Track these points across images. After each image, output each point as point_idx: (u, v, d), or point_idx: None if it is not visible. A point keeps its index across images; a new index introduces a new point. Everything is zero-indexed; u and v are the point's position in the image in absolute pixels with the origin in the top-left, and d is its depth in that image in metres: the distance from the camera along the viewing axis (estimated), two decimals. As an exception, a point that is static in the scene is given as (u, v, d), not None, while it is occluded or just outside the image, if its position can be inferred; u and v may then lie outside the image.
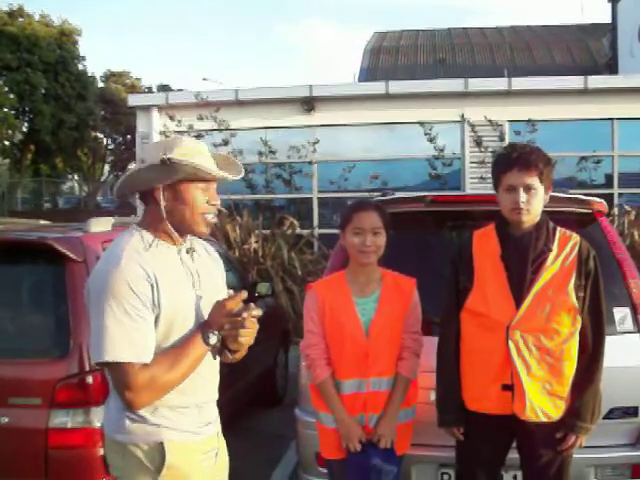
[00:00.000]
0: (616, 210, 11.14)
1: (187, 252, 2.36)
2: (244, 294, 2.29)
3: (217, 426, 2.46)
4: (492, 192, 3.10)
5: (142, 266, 2.17)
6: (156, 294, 2.17)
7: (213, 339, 2.24)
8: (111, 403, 2.30)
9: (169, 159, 2.20)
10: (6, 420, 3.41)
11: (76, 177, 40.13)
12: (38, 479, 3.39)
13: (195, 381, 2.27)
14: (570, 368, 2.89)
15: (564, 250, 2.90)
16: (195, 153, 2.27)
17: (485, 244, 3.01)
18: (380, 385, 3.09)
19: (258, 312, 2.26)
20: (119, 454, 2.26)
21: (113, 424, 2.27)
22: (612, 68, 19.63)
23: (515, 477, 3.34)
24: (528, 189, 2.84)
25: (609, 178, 12.77)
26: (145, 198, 2.33)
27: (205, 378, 2.34)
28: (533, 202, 2.85)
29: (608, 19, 21.70)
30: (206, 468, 2.36)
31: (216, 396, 2.45)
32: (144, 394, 2.15)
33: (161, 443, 2.22)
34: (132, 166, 2.38)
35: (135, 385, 2.12)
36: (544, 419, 2.86)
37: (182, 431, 2.27)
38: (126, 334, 2.11)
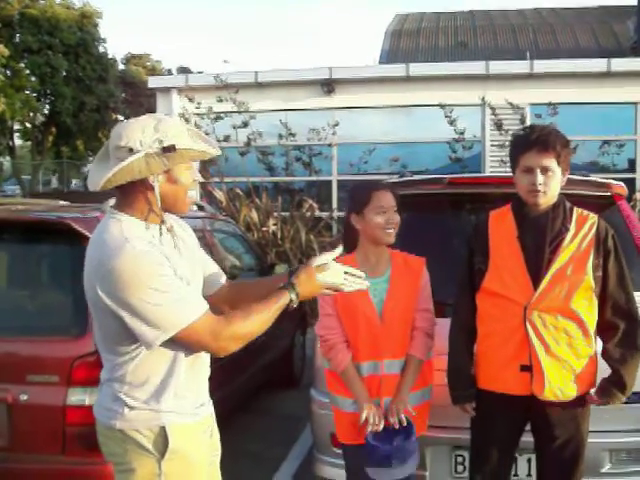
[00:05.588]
0: (638, 195, 11.04)
1: (168, 231, 2.31)
2: (340, 249, 2.46)
3: (210, 407, 2.46)
4: (509, 174, 3.08)
5: (149, 244, 2.16)
6: (170, 264, 2.18)
7: (297, 301, 2.33)
8: (105, 390, 2.28)
9: (173, 146, 2.16)
10: (25, 397, 3.45)
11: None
12: (55, 456, 3.45)
13: (194, 365, 2.30)
14: (588, 347, 2.88)
15: (582, 229, 2.89)
16: (182, 132, 2.24)
17: (501, 225, 3.00)
18: (393, 368, 3.09)
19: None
20: (117, 441, 2.23)
21: (109, 411, 2.24)
22: (637, 51, 19.33)
23: (529, 460, 3.35)
24: (545, 171, 2.82)
25: (632, 163, 12.66)
26: (130, 184, 2.18)
27: (203, 360, 2.37)
28: (550, 184, 2.83)
29: (633, 1, 21.36)
30: (205, 447, 2.38)
31: (207, 375, 2.45)
32: (232, 340, 2.20)
33: (163, 427, 2.21)
34: (113, 154, 2.20)
35: (221, 332, 2.16)
36: (563, 399, 2.86)
37: (181, 414, 2.26)
38: (179, 297, 2.12)
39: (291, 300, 2.32)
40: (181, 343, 2.18)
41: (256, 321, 2.24)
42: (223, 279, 2.63)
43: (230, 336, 2.19)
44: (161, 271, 2.11)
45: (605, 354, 2.92)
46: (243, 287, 2.71)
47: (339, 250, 2.45)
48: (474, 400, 3.04)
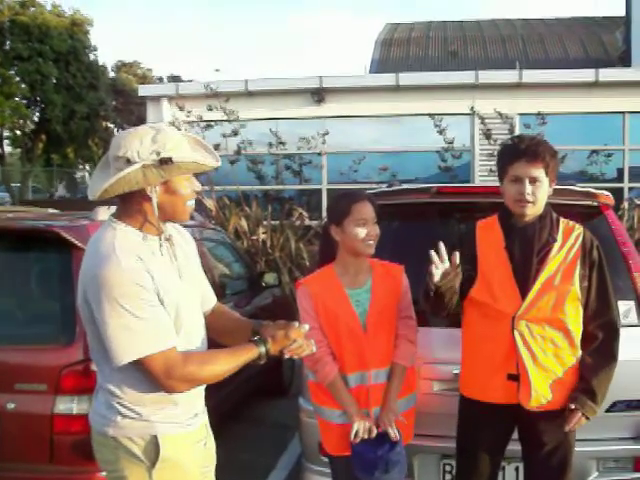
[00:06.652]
0: (626, 204, 11.11)
1: (167, 240, 2.31)
2: (307, 327, 2.42)
3: (204, 417, 2.47)
4: (498, 184, 3.09)
5: (138, 259, 2.15)
6: (155, 285, 2.18)
7: (265, 358, 2.35)
8: (100, 398, 2.30)
9: (170, 159, 2.16)
10: (13, 406, 3.44)
11: (87, 167, 40.20)
12: (43, 464, 3.43)
13: None
14: (574, 357, 2.90)
15: (568, 240, 2.91)
16: (182, 143, 2.24)
17: (488, 235, 3.01)
18: (379, 377, 3.07)
19: (314, 349, 2.47)
20: (110, 448, 2.25)
21: (104, 419, 2.25)
22: (625, 61, 19.48)
23: (517, 469, 3.35)
24: (534, 181, 2.84)
25: (620, 172, 12.75)
26: (128, 194, 2.19)
27: None
28: (538, 194, 2.85)
29: (622, 12, 21.54)
30: (198, 458, 2.38)
31: (203, 386, 2.45)
32: (185, 382, 2.19)
33: (155, 436, 2.22)
34: (110, 164, 2.22)
35: (176, 372, 2.15)
36: (549, 408, 2.87)
37: (174, 423, 2.27)
38: (149, 326, 2.12)
39: (259, 356, 2.34)
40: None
41: (214, 370, 2.25)
42: (212, 303, 2.63)
43: (182, 378, 2.18)
44: (139, 293, 2.12)
45: (580, 363, 2.93)
46: (222, 316, 2.66)
47: (306, 327, 2.44)
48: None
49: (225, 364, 2.27)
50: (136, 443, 2.22)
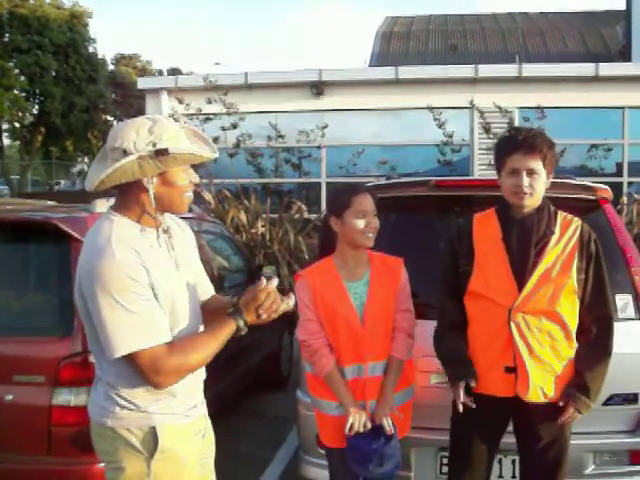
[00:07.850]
0: (625, 199, 11.11)
1: (165, 232, 2.31)
2: (275, 282, 2.30)
3: (203, 408, 2.47)
4: (496, 177, 3.09)
5: (133, 252, 2.15)
6: (150, 279, 2.17)
7: (245, 328, 2.29)
8: (99, 389, 2.30)
9: (166, 150, 2.15)
10: (10, 397, 3.44)
11: (86, 160, 40.18)
12: (41, 456, 3.44)
13: None
14: (571, 349, 2.90)
15: (566, 233, 2.91)
16: (179, 135, 2.23)
17: (486, 227, 3.01)
18: (376, 370, 3.08)
19: (291, 303, 2.35)
20: (108, 439, 2.25)
21: (102, 409, 2.25)
22: (625, 56, 19.47)
23: (514, 462, 3.36)
24: (531, 173, 2.84)
25: (619, 166, 12.77)
26: (125, 185, 2.19)
27: None
28: (535, 186, 2.85)
29: (622, 6, 21.52)
30: (196, 449, 2.39)
31: (202, 377, 2.45)
32: (172, 374, 2.17)
33: (153, 427, 2.22)
34: (107, 156, 2.22)
35: (163, 366, 2.13)
36: (545, 400, 2.87)
37: (172, 414, 2.27)
38: (141, 321, 2.11)
39: (239, 328, 2.28)
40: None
41: (198, 358, 2.23)
42: (210, 295, 2.62)
43: (169, 371, 2.16)
44: (133, 287, 2.11)
45: (575, 357, 2.93)
46: (212, 301, 2.63)
47: (275, 281, 2.33)
48: (475, 380, 2.92)
49: (207, 347, 2.24)
50: (134, 434, 2.22)
